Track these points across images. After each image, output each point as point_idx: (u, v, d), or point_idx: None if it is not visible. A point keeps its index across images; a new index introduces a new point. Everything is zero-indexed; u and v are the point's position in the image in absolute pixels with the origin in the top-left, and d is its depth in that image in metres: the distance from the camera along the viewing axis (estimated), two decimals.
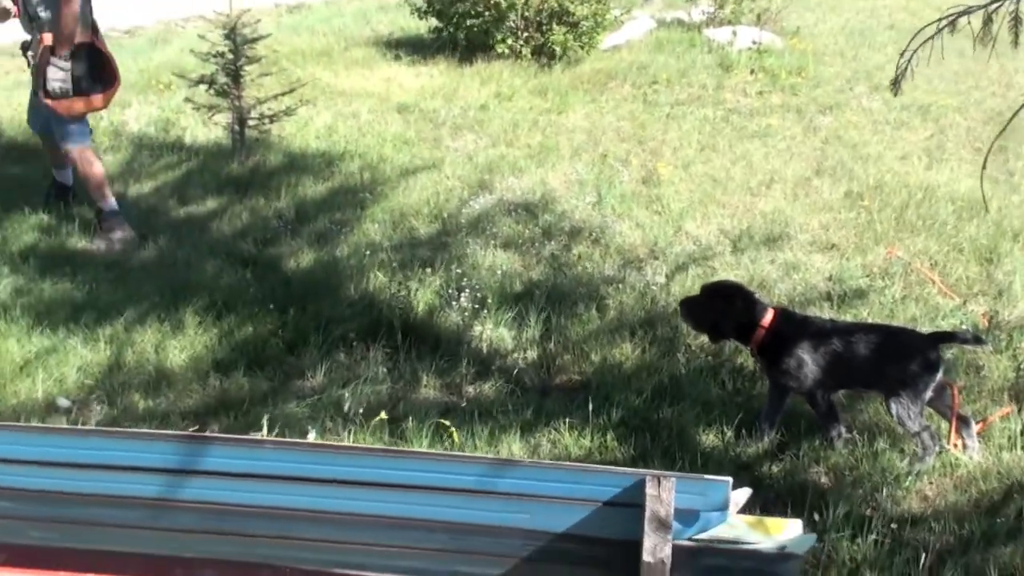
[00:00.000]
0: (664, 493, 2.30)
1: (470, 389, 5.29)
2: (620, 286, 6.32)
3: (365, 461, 2.52)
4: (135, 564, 2.81)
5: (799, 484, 4.40)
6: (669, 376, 5.30)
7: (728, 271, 6.50)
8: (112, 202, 7.26)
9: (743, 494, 2.63)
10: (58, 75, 6.85)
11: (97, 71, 7.06)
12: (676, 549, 2.51)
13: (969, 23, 3.79)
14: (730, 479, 2.33)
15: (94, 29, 7.12)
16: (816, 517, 4.07)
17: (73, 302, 6.10)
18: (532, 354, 5.64)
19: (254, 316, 5.95)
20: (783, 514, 3.79)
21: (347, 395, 5.10)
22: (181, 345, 5.65)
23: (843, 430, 4.65)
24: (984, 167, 4.63)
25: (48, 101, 6.94)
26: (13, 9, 7.17)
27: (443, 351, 5.59)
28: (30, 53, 7.12)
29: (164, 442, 2.60)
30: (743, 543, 2.76)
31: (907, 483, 4.40)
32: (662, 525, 2.26)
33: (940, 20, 3.62)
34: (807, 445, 4.64)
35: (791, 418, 4.84)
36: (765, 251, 6.84)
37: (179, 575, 2.81)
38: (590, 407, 4.89)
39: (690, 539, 2.63)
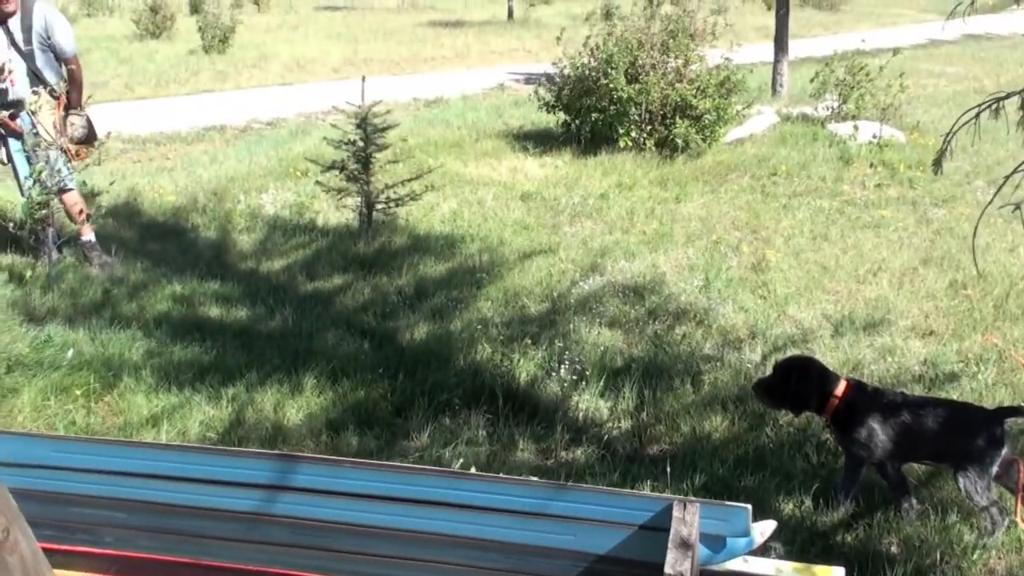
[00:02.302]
0: (689, 516, 2.57)
1: (563, 454, 5.55)
2: (718, 364, 6.56)
3: (430, 481, 2.82)
4: None
5: (871, 553, 4.57)
6: (754, 448, 5.51)
7: (826, 353, 6.69)
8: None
9: (769, 526, 2.87)
10: (80, 124, 8.11)
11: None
12: (705, 574, 2.78)
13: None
14: (749, 506, 2.58)
15: None
16: None
17: (200, 364, 6.57)
18: (625, 424, 5.89)
19: (367, 381, 6.34)
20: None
21: (448, 454, 5.43)
22: (298, 405, 6.05)
23: (914, 502, 4.80)
24: None
25: (71, 147, 8.01)
26: (9, 77, 7.97)
27: (541, 418, 5.87)
28: (29, 112, 7.99)
29: (259, 459, 2.95)
30: None
31: (975, 556, 4.53)
32: (684, 544, 2.52)
33: (983, 104, 3.85)
34: (881, 516, 4.80)
35: (868, 489, 5.00)
36: (864, 336, 7.00)
37: None
38: (668, 471, 5.13)
39: (725, 570, 2.90)
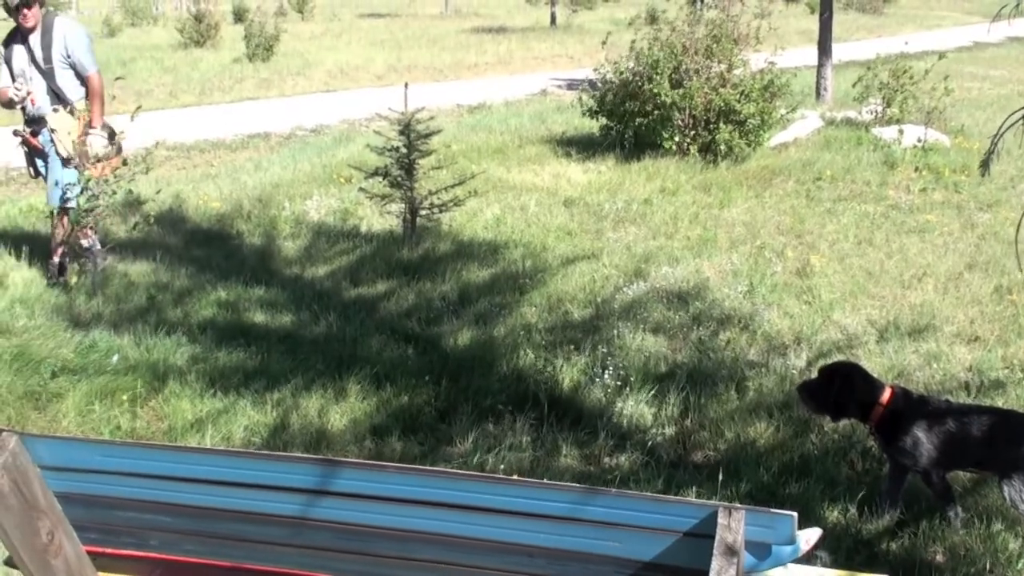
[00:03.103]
0: (734, 523, 2.53)
1: (607, 460, 5.53)
2: (762, 370, 6.51)
3: (474, 487, 2.80)
4: None
5: (916, 561, 4.52)
6: (800, 455, 5.46)
7: (871, 359, 6.63)
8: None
9: (814, 533, 2.83)
10: (101, 142, 8.00)
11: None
12: None
13: None
14: (795, 514, 2.55)
15: None
16: None
17: (245, 369, 6.61)
18: (670, 430, 5.86)
19: (411, 387, 6.34)
20: None
21: (491, 460, 5.43)
22: (342, 411, 6.07)
23: (959, 510, 4.75)
24: None
25: (93, 166, 7.90)
26: (29, 97, 7.97)
27: (584, 424, 5.86)
28: (49, 129, 7.97)
29: (302, 464, 2.94)
30: None
31: (1020, 565, 4.47)
32: (729, 550, 2.49)
33: None
34: (927, 524, 4.74)
35: (913, 498, 4.95)
36: (909, 341, 6.94)
37: None
38: (719, 478, 5.10)
39: None
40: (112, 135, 8.18)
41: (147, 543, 3.14)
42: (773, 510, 2.59)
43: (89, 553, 3.11)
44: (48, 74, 7.96)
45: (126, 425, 5.94)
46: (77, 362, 6.62)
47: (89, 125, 8.00)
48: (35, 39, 7.91)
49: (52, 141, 7.94)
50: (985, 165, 4.08)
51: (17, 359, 6.53)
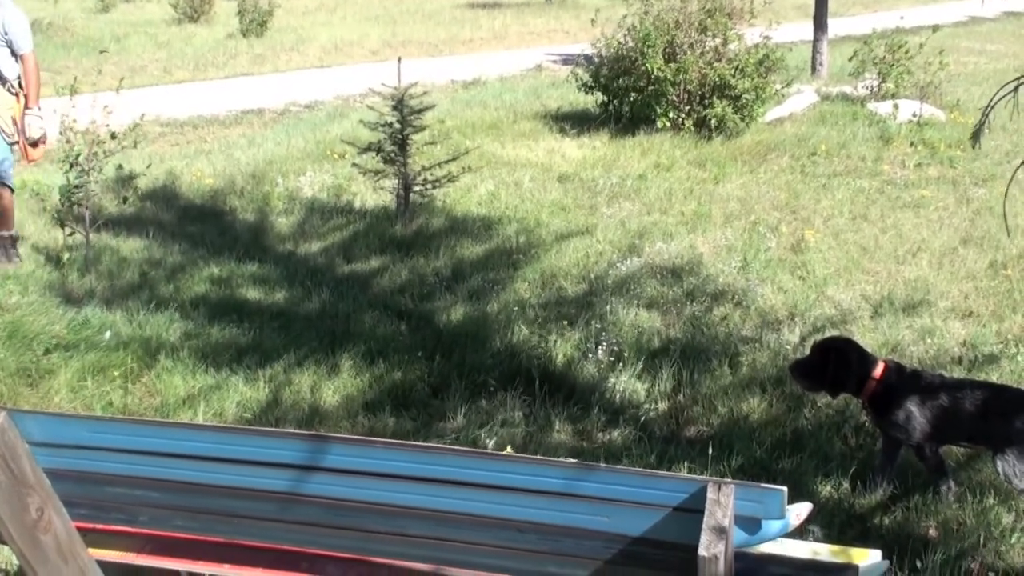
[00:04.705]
0: (724, 498, 2.53)
1: (600, 435, 5.53)
2: (756, 345, 6.50)
3: (464, 462, 2.79)
4: (266, 557, 3.15)
5: (909, 535, 4.52)
6: (792, 430, 5.46)
7: (865, 334, 6.62)
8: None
9: (805, 508, 2.84)
10: (37, 123, 7.87)
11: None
12: (742, 557, 2.75)
13: None
14: (784, 489, 2.55)
15: None
16: (918, 564, 4.21)
17: (238, 345, 6.60)
18: (663, 406, 5.86)
19: (404, 363, 6.34)
20: (889, 559, 3.94)
21: (484, 435, 5.42)
22: (335, 387, 6.06)
23: (952, 485, 4.75)
24: None
25: (30, 149, 7.88)
26: None
27: (577, 400, 5.85)
28: None
29: (292, 440, 2.94)
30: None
31: (1013, 539, 4.47)
32: (718, 526, 2.48)
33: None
34: (919, 498, 4.74)
35: (906, 472, 4.95)
36: (903, 317, 6.93)
37: (304, 568, 3.14)
38: (710, 453, 5.10)
39: (759, 552, 2.87)
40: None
41: (137, 519, 3.14)
42: (763, 485, 2.59)
43: (79, 529, 3.11)
44: None
45: (118, 401, 5.94)
46: (69, 338, 6.60)
47: (26, 105, 7.89)
48: None
49: None
50: (976, 137, 4.07)
51: (9, 336, 6.51)
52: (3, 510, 2.84)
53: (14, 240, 8.20)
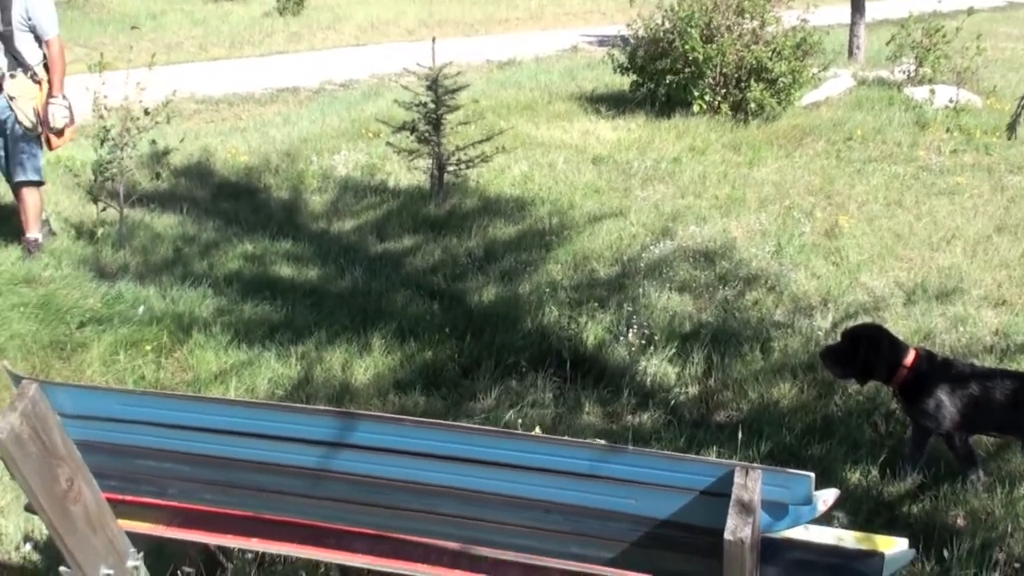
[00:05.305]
0: (751, 483, 2.52)
1: (630, 418, 5.52)
2: (788, 331, 6.48)
3: (491, 442, 2.80)
4: (294, 533, 3.17)
5: (937, 524, 4.50)
6: (822, 416, 5.44)
7: (897, 322, 6.58)
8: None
9: (831, 494, 2.81)
10: (62, 112, 7.52)
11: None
12: (766, 541, 2.74)
13: None
14: (812, 475, 2.54)
15: None
16: (945, 553, 4.18)
17: (270, 322, 6.63)
18: (693, 390, 5.85)
19: (435, 342, 6.36)
20: (916, 548, 3.92)
21: (513, 416, 5.43)
22: (366, 365, 6.09)
23: (981, 474, 4.72)
24: None
25: (52, 137, 7.59)
26: None
27: (607, 382, 5.85)
28: (7, 95, 7.46)
29: (321, 416, 2.95)
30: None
31: None
32: (744, 509, 2.48)
33: None
34: (948, 487, 4.72)
35: (935, 461, 4.92)
36: (936, 304, 6.88)
37: (332, 544, 3.16)
38: (739, 438, 5.08)
39: (785, 537, 2.86)
40: (70, 107, 7.68)
41: (166, 492, 3.17)
42: (790, 471, 2.58)
43: (109, 500, 3.14)
44: (6, 36, 7.39)
45: (150, 375, 5.98)
46: (103, 312, 6.65)
47: (50, 94, 7.53)
48: None
49: (11, 109, 7.49)
50: (1012, 128, 4.02)
51: (43, 308, 6.57)
52: (33, 480, 2.87)
53: (38, 243, 7.84)
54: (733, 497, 2.51)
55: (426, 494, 2.91)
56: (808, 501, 2.62)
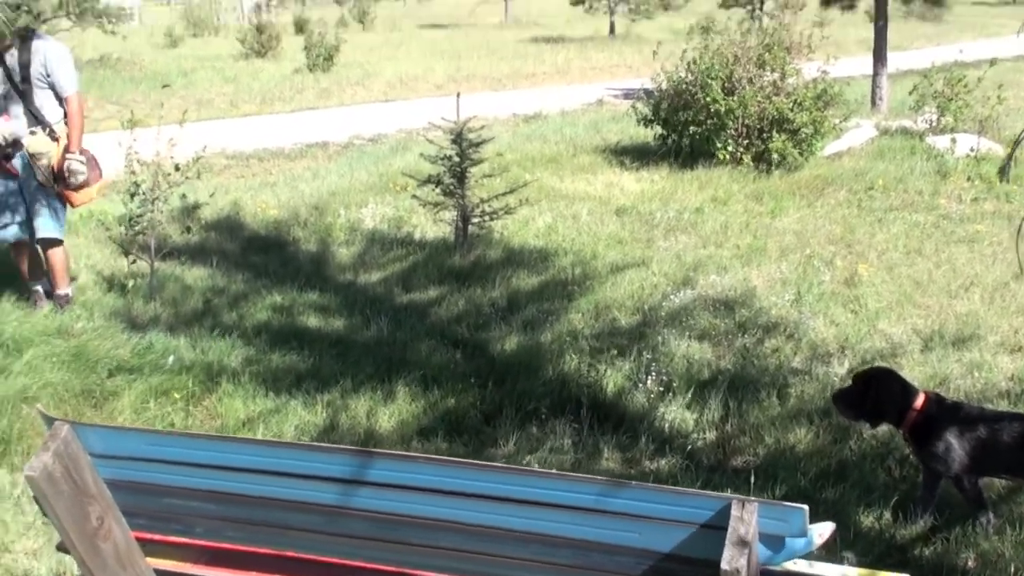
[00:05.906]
0: (747, 515, 2.62)
1: (648, 463, 5.62)
2: (805, 377, 6.57)
3: (501, 478, 2.91)
4: (313, 570, 3.28)
5: (946, 566, 4.57)
6: (837, 460, 5.52)
7: (914, 368, 6.66)
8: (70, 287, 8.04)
9: (827, 527, 2.91)
10: (79, 168, 7.52)
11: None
12: (766, 574, 2.84)
13: None
14: (806, 507, 2.64)
15: None
16: None
17: (297, 371, 6.77)
18: (711, 435, 5.94)
19: (458, 390, 6.48)
20: None
21: (533, 461, 5.54)
22: (390, 412, 6.21)
23: (992, 516, 4.79)
24: None
25: (70, 194, 7.65)
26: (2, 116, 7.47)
27: (626, 428, 5.94)
28: (26, 153, 7.47)
29: (339, 454, 3.07)
30: None
31: None
32: (741, 541, 2.58)
33: None
34: (959, 530, 4.78)
35: (947, 504, 4.99)
36: (953, 350, 6.96)
37: None
38: (751, 481, 5.17)
39: (786, 570, 2.96)
40: (93, 160, 7.72)
41: (193, 530, 3.28)
42: (785, 503, 2.69)
43: (137, 539, 3.26)
44: (25, 94, 7.45)
45: (180, 422, 6.13)
46: (133, 362, 6.81)
47: (67, 149, 7.49)
48: (11, 56, 7.42)
49: (30, 166, 7.51)
50: (1003, 172, 4.13)
51: (75, 358, 6.74)
52: (65, 518, 3.00)
53: (68, 298, 7.94)
54: (730, 529, 2.62)
55: (438, 529, 3.01)
56: (804, 533, 2.72)
